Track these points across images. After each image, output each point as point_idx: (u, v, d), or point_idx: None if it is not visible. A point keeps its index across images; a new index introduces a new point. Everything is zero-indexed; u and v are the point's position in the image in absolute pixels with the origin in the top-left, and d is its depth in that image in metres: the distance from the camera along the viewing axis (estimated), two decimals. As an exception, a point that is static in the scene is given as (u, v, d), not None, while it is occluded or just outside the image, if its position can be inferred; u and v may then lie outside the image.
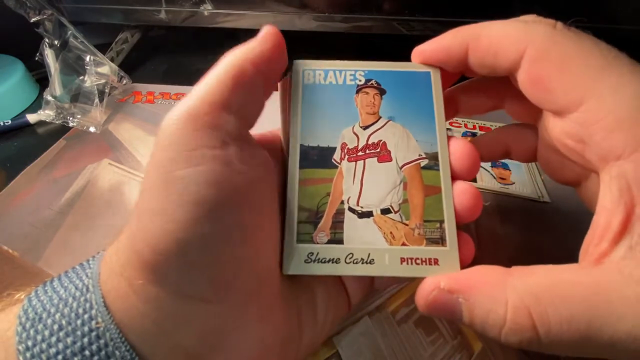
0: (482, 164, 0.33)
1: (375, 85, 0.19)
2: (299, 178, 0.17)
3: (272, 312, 0.16)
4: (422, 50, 0.19)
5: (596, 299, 0.12)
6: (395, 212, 0.17)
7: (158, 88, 0.42)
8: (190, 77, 0.46)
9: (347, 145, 0.18)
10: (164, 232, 0.13)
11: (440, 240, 0.16)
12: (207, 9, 0.40)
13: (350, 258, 0.16)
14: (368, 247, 0.16)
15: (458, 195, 0.17)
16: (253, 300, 0.15)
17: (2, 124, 0.37)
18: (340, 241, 0.17)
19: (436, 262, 0.16)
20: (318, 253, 0.16)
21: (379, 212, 0.17)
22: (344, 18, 0.39)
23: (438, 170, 0.17)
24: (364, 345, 0.22)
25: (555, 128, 0.16)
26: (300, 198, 0.17)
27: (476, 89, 0.21)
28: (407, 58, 0.20)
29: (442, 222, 0.17)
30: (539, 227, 0.28)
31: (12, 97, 0.40)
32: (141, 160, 0.34)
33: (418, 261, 0.16)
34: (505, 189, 0.31)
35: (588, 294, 0.12)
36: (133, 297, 0.13)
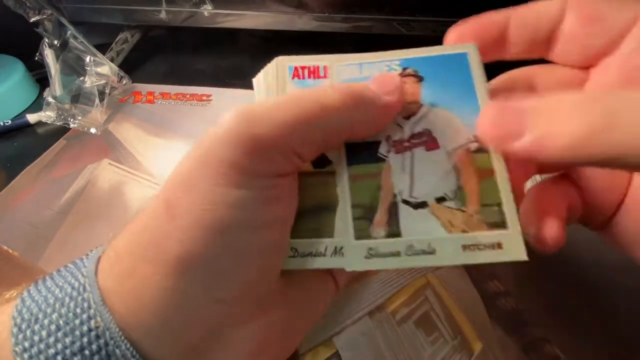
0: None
1: (413, 73, 0.18)
2: (347, 175, 0.17)
3: (270, 304, 0.16)
4: (462, 28, 0.19)
5: None
6: (451, 200, 0.17)
7: (158, 88, 0.42)
8: (190, 77, 0.46)
9: (391, 137, 0.18)
10: (201, 236, 0.13)
11: (502, 224, 0.16)
12: (207, 9, 0.40)
13: (411, 249, 0.16)
14: (427, 237, 0.16)
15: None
16: (258, 298, 0.15)
17: (2, 124, 0.37)
18: (398, 234, 0.16)
19: (499, 246, 0.16)
20: (378, 247, 0.16)
21: (434, 201, 0.17)
22: (344, 18, 0.39)
23: (489, 152, 0.17)
24: (364, 345, 0.22)
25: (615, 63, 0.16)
26: (352, 195, 0.17)
27: None
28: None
29: (500, 204, 0.16)
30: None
31: (12, 97, 0.40)
32: (141, 160, 0.34)
33: (481, 247, 0.16)
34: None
35: None
36: (142, 292, 0.13)
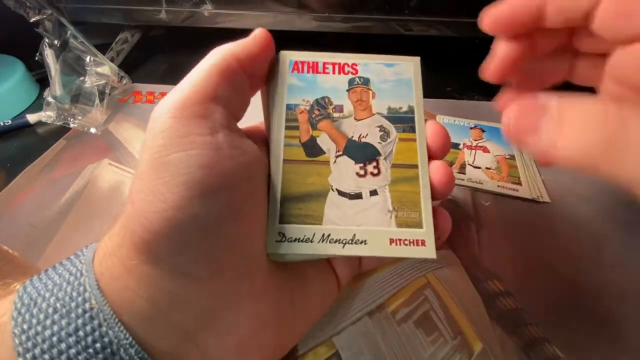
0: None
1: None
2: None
3: (263, 292, 0.16)
4: (496, 12, 0.17)
5: None
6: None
7: (158, 88, 0.42)
8: (190, 77, 0.45)
9: None
10: (156, 211, 0.13)
11: None
12: (207, 9, 0.40)
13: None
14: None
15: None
16: (244, 279, 0.15)
17: (2, 124, 0.37)
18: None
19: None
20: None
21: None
22: (344, 18, 0.39)
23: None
24: (364, 345, 0.22)
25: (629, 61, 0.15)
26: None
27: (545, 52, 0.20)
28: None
29: None
30: (539, 227, 0.28)
31: (12, 97, 0.40)
32: (141, 160, 0.34)
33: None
34: (505, 190, 0.31)
35: None
36: (127, 277, 0.14)
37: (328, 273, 0.20)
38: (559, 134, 0.12)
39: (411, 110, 0.19)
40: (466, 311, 0.24)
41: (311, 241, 0.17)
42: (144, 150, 0.15)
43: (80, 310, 0.13)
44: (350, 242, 0.17)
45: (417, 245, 0.17)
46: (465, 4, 0.37)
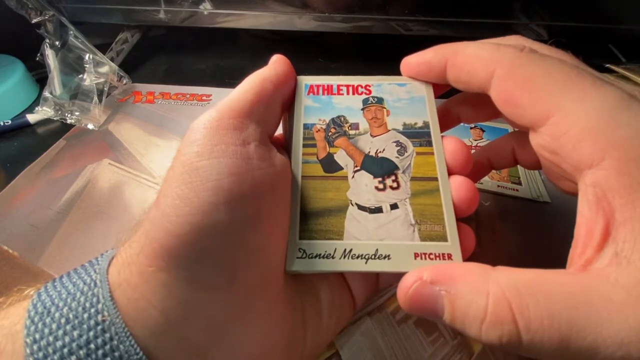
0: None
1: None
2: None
3: (276, 308, 0.16)
4: (408, 62, 0.20)
5: (580, 299, 0.12)
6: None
7: (158, 88, 0.42)
8: (190, 77, 0.46)
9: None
10: (180, 215, 0.14)
11: None
12: (206, 9, 0.40)
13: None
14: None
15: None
16: (259, 293, 0.15)
17: (2, 124, 0.37)
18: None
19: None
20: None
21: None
22: (344, 18, 0.39)
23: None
24: (364, 345, 0.22)
25: (533, 141, 0.17)
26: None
27: (475, 99, 0.22)
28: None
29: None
30: (539, 227, 0.28)
31: (12, 97, 0.40)
32: (141, 160, 0.34)
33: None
34: (505, 190, 0.31)
35: (571, 294, 0.12)
36: (143, 287, 0.14)
37: (343, 292, 0.20)
38: (461, 314, 0.14)
39: (426, 125, 0.20)
40: (466, 311, 0.24)
41: (332, 257, 0.17)
42: (177, 157, 0.15)
43: (92, 322, 0.13)
44: (372, 257, 0.17)
45: (444, 259, 0.16)
46: (465, 4, 0.37)
